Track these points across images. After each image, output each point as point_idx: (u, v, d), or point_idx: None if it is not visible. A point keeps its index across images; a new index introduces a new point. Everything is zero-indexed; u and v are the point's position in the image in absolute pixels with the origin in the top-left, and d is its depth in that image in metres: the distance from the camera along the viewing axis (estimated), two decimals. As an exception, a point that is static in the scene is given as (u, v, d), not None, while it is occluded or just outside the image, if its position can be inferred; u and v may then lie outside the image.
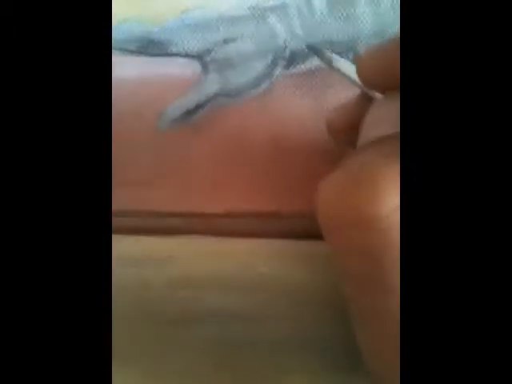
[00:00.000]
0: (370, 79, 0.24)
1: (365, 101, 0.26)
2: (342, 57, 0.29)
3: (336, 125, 0.27)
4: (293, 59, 0.33)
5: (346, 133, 0.27)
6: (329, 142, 0.33)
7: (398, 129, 0.21)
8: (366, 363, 0.24)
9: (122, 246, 0.34)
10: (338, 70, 0.26)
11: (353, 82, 0.26)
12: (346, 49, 0.32)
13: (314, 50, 0.29)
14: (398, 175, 0.18)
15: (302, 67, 0.33)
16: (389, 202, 0.18)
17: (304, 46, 0.32)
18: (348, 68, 0.26)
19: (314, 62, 0.33)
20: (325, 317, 0.35)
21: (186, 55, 0.33)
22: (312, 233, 0.35)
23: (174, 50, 0.33)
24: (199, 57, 0.33)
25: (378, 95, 0.25)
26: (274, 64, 0.33)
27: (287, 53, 0.32)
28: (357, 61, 0.24)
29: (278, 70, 0.33)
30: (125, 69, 0.33)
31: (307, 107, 0.33)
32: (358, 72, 0.24)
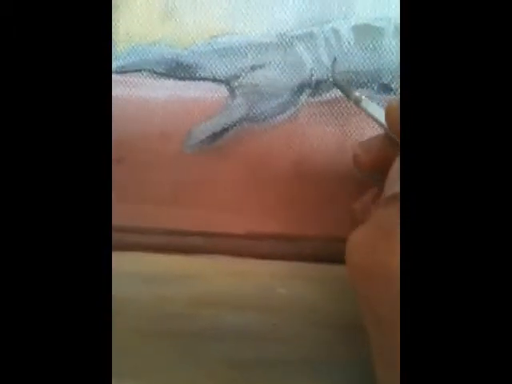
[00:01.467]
0: (398, 128, 0.24)
1: (390, 141, 0.27)
2: (368, 87, 0.30)
3: (362, 160, 0.28)
4: (318, 87, 0.33)
5: (371, 169, 0.28)
6: (350, 170, 0.34)
7: None
8: None
9: (145, 264, 0.35)
10: (365, 110, 0.27)
11: (379, 123, 0.26)
12: (372, 79, 0.33)
13: (341, 88, 0.30)
14: None
15: (327, 95, 0.33)
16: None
17: (329, 76, 0.33)
18: (376, 110, 0.26)
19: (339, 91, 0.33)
20: (340, 339, 0.35)
21: (214, 79, 0.34)
22: (329, 256, 0.35)
23: (202, 74, 0.34)
24: (227, 82, 0.33)
25: None
26: (299, 91, 0.33)
27: (313, 81, 0.33)
28: (388, 109, 0.25)
29: (304, 98, 0.33)
30: (154, 91, 0.34)
31: (331, 135, 0.34)
32: (388, 119, 0.25)
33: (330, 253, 0.35)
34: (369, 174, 0.29)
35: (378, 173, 0.27)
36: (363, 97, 0.26)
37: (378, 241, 0.20)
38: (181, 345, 0.35)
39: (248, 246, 0.36)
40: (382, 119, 0.26)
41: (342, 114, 0.33)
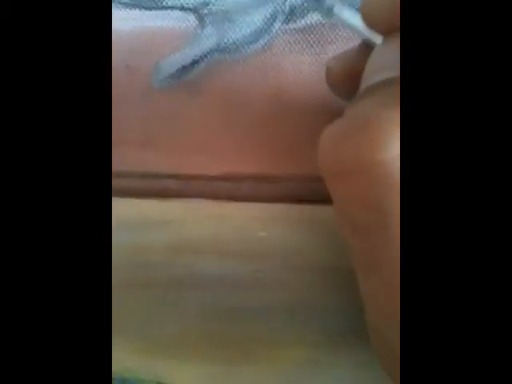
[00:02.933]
0: (374, 17, 0.23)
1: (366, 49, 0.25)
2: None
3: (336, 73, 0.26)
4: (292, 13, 0.31)
5: (346, 82, 0.26)
6: (329, 101, 0.32)
7: (398, 73, 0.20)
8: (366, 321, 0.23)
9: (117, 209, 0.33)
10: (339, 18, 0.25)
11: (357, 31, 0.24)
12: (347, 4, 0.31)
13: None
14: (399, 122, 0.17)
15: (302, 22, 0.32)
16: (389, 148, 0.17)
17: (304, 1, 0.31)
18: (351, 16, 0.24)
19: (315, 16, 0.32)
20: (325, 282, 0.34)
21: (182, 8, 0.32)
22: (311, 196, 0.34)
23: (170, 2, 0.32)
24: (195, 9, 0.31)
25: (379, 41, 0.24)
26: (272, 18, 0.31)
27: (287, 6, 0.31)
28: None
29: (277, 25, 0.31)
30: (118, 22, 0.32)
31: (307, 64, 0.32)
32: (362, 9, 0.23)
33: (311, 193, 0.34)
34: (344, 91, 0.27)
35: (352, 88, 0.25)
36: (335, 4, 0.24)
37: (351, 132, 0.18)
38: (157, 294, 0.34)
39: (225, 188, 0.34)
40: (360, 26, 0.24)
41: (319, 42, 0.32)
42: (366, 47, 0.25)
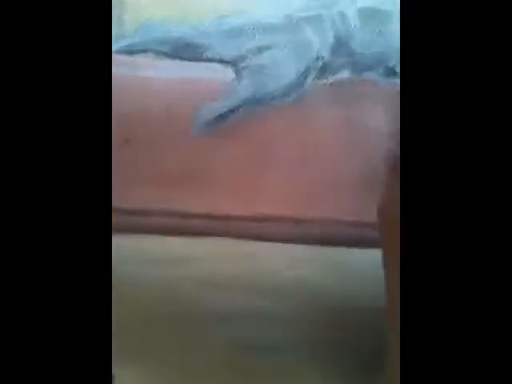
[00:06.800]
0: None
1: None
2: (373, 70, 0.30)
3: None
4: (324, 70, 0.33)
5: None
6: (354, 155, 0.34)
7: None
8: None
9: (151, 246, 0.35)
10: None
11: None
12: (377, 62, 0.33)
13: None
14: None
15: (333, 78, 0.34)
16: None
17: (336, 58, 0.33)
18: None
19: (346, 73, 0.34)
20: (341, 320, 0.35)
21: (221, 61, 0.34)
22: (331, 239, 0.36)
23: (209, 54, 0.34)
24: (233, 63, 0.34)
25: None
26: (305, 74, 0.33)
27: (319, 63, 0.33)
28: None
29: (309, 80, 0.33)
30: (160, 71, 0.34)
31: (336, 117, 0.34)
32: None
33: (332, 236, 0.36)
34: None
35: None
36: None
37: None
38: (185, 327, 0.36)
39: (252, 228, 0.36)
40: None
41: (347, 98, 0.34)
42: None
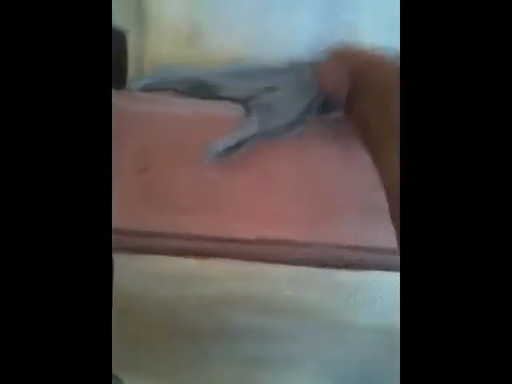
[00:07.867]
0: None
1: None
2: None
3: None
4: (324, 108, 0.37)
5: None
6: (351, 184, 0.38)
7: None
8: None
9: (165, 266, 0.38)
10: None
11: None
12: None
13: None
14: None
15: (331, 115, 0.38)
16: None
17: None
18: None
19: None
20: (340, 337, 0.39)
21: (232, 99, 0.38)
22: (332, 262, 0.39)
23: (222, 93, 0.38)
24: (244, 101, 0.38)
25: None
26: (307, 112, 0.37)
27: (319, 102, 0.37)
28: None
29: (311, 116, 0.37)
30: (177, 108, 0.38)
31: (335, 148, 0.38)
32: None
33: (332, 258, 0.39)
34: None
35: None
36: None
37: None
38: (197, 342, 0.39)
39: (257, 250, 0.39)
40: None
41: (343, 133, 0.38)
42: None
